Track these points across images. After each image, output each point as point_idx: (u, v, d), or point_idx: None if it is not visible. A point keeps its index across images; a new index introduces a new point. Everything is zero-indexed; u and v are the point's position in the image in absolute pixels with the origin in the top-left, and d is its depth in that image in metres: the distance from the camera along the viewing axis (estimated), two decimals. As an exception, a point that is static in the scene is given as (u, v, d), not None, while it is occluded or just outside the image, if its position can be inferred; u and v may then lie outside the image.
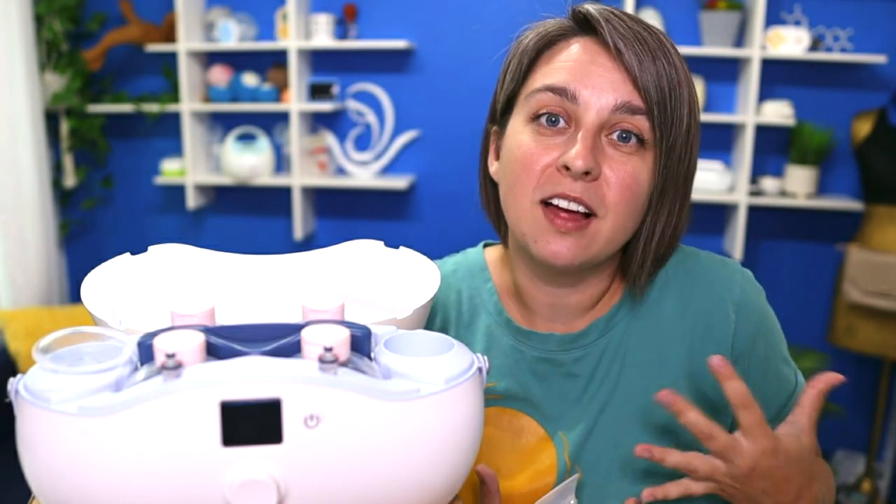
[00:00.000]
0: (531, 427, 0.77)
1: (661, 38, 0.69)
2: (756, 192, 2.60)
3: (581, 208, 0.68)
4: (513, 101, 0.74)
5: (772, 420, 0.74)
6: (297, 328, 0.45)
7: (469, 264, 0.85)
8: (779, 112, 2.51)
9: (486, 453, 0.77)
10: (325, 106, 2.71)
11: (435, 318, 0.83)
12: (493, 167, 0.79)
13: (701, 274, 0.78)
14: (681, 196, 0.73)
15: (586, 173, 0.66)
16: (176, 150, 2.93)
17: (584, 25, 0.71)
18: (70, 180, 2.97)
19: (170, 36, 2.79)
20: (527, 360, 0.78)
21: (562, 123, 0.69)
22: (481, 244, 0.88)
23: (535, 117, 0.70)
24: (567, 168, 0.67)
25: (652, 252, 0.73)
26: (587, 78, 0.68)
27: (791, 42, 2.47)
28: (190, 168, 2.80)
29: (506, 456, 0.77)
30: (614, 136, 0.68)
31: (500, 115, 0.76)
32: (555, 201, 0.68)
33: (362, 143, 2.88)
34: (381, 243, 0.68)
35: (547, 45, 0.72)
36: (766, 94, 2.60)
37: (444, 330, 0.82)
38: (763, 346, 0.77)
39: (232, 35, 2.70)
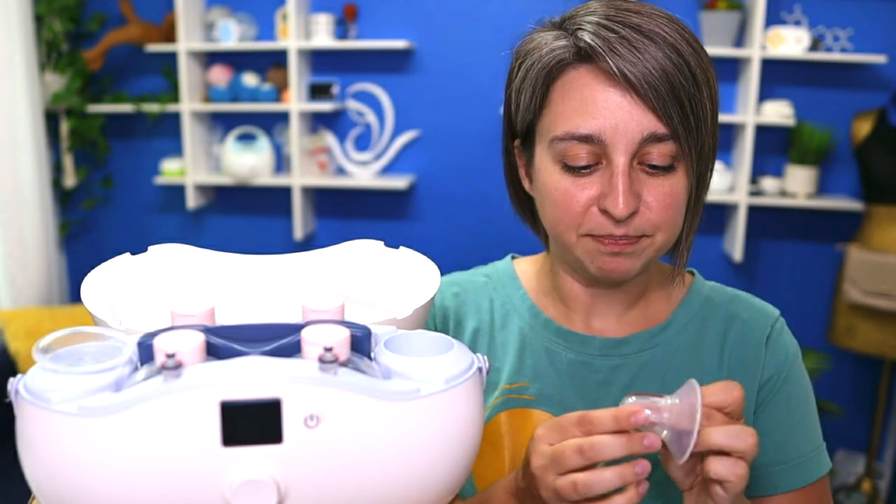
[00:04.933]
0: None
1: (668, 39, 0.65)
2: (756, 192, 2.60)
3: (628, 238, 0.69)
4: (533, 129, 0.73)
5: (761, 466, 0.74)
6: (297, 328, 0.45)
7: (499, 274, 0.86)
8: (779, 112, 2.51)
9: (514, 453, 0.77)
10: (325, 106, 2.71)
11: (467, 323, 0.83)
12: (527, 184, 0.78)
13: (740, 313, 0.80)
14: (710, 175, 0.74)
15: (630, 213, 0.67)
16: (176, 150, 2.93)
17: (587, 55, 0.67)
18: (70, 180, 2.97)
19: (170, 36, 2.79)
20: (562, 363, 0.78)
21: (592, 163, 0.69)
22: (508, 256, 0.88)
23: (564, 164, 0.69)
24: (609, 212, 0.67)
25: (690, 239, 0.75)
26: (608, 117, 0.66)
27: (791, 42, 2.47)
28: (190, 168, 2.80)
29: None
30: (646, 165, 0.68)
31: (523, 135, 0.75)
32: (604, 239, 0.69)
33: (362, 143, 2.88)
34: (381, 243, 0.68)
35: (556, 76, 0.70)
36: (766, 94, 2.60)
37: (477, 334, 0.82)
38: (786, 395, 0.77)
39: (232, 35, 2.70)
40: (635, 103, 0.65)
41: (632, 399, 0.57)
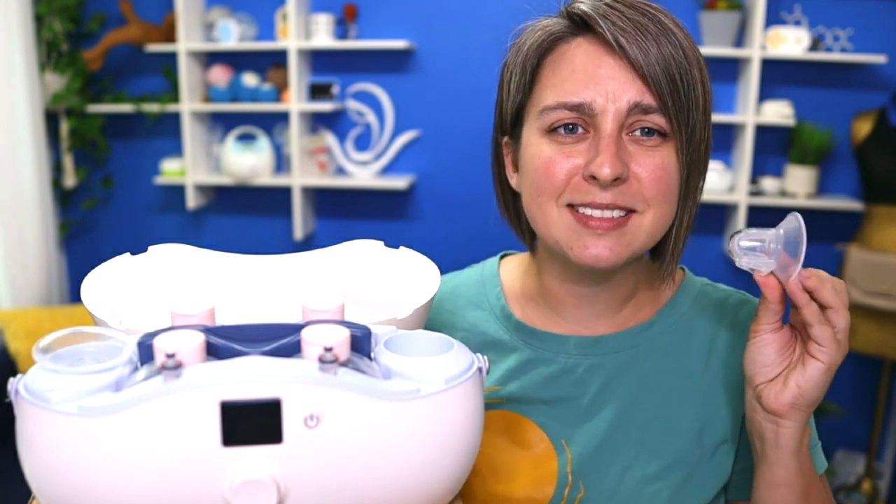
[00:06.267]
0: (534, 432, 0.75)
1: (661, 19, 0.66)
2: (756, 192, 2.60)
3: (616, 213, 0.67)
4: (522, 111, 0.72)
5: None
6: (297, 328, 0.45)
7: (482, 273, 0.84)
8: (779, 112, 2.51)
9: (485, 456, 0.75)
10: (325, 106, 2.71)
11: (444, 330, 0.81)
12: (514, 179, 0.76)
13: (733, 312, 0.78)
14: (703, 172, 0.72)
15: (616, 179, 0.65)
16: (176, 150, 2.93)
17: (581, 24, 0.68)
18: (70, 180, 2.97)
19: (170, 36, 2.79)
20: (535, 364, 0.76)
21: (580, 130, 0.67)
22: (499, 255, 0.86)
23: (552, 129, 0.68)
24: (594, 178, 0.65)
25: (682, 238, 0.73)
26: (597, 85, 0.66)
27: (791, 42, 2.47)
28: (190, 168, 2.80)
29: (505, 460, 0.75)
30: (636, 133, 0.67)
31: (511, 126, 0.74)
32: (587, 211, 0.67)
33: (362, 143, 2.88)
34: (381, 243, 0.68)
35: (548, 50, 0.69)
36: (766, 94, 2.60)
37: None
38: None
39: (232, 35, 2.70)
40: (626, 72, 0.65)
41: (738, 235, 0.62)
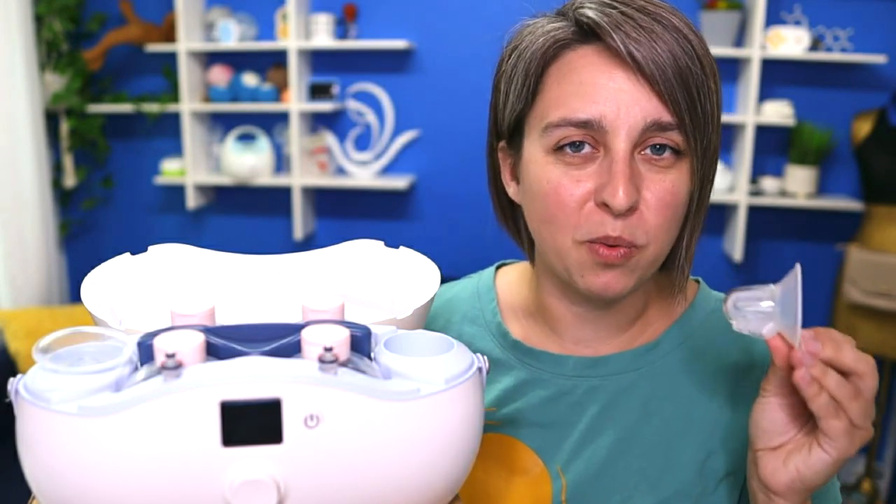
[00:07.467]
0: (529, 457, 0.71)
1: (676, 24, 0.60)
2: (756, 192, 2.61)
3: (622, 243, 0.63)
4: (523, 122, 0.66)
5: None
6: (297, 328, 0.45)
7: (477, 286, 0.80)
8: (779, 112, 2.51)
9: (476, 481, 0.72)
10: (325, 106, 2.71)
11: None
12: (512, 188, 0.71)
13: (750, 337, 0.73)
14: (713, 182, 0.67)
15: (629, 208, 0.60)
16: (176, 150, 2.93)
17: (590, 32, 0.62)
18: (70, 180, 2.97)
19: (170, 36, 2.79)
20: (532, 385, 0.73)
21: (588, 149, 0.61)
22: (494, 266, 0.83)
23: (558, 148, 0.62)
24: (607, 205, 0.60)
25: (691, 251, 0.68)
26: (609, 101, 0.60)
27: (791, 42, 2.47)
28: (190, 168, 2.80)
29: (498, 485, 0.71)
30: (647, 151, 0.61)
31: (510, 133, 0.69)
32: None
33: (362, 143, 2.88)
34: (381, 243, 0.68)
35: (553, 58, 0.64)
36: (766, 94, 2.60)
37: None
38: None
39: (232, 35, 2.70)
40: (640, 86, 0.60)
41: (733, 295, 0.57)
